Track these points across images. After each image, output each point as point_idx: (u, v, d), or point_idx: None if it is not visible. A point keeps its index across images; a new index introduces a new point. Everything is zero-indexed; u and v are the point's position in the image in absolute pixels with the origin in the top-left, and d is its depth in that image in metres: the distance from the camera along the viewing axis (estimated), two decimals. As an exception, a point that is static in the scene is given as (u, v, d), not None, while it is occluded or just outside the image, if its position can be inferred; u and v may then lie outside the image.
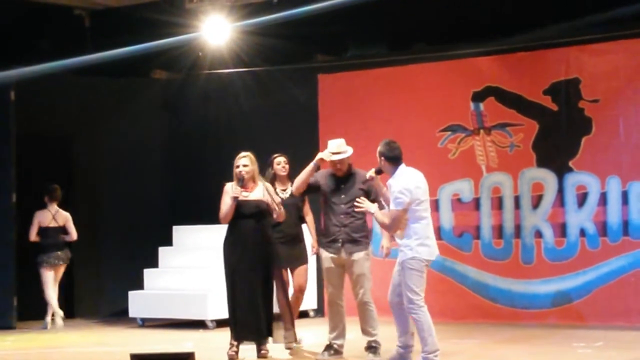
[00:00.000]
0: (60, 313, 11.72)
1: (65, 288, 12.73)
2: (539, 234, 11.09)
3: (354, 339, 8.86)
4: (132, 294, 11.85)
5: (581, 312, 10.76)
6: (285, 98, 12.62)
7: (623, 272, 10.59)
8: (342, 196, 8.48)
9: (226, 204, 8.55)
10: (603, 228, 10.73)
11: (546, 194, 11.08)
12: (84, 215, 13.03)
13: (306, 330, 9.71)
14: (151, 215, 13.33)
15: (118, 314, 12.47)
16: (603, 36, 10.83)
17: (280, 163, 9.34)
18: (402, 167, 7.84)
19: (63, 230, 11.94)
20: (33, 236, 11.77)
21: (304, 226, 9.43)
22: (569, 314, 10.80)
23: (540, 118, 11.16)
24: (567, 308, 10.86)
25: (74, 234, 11.95)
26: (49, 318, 11.79)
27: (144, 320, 11.83)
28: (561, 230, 10.97)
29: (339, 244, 8.47)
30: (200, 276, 11.46)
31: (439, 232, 11.45)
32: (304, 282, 9.25)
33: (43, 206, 11.90)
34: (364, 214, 8.48)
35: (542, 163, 11.13)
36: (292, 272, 9.27)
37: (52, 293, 11.75)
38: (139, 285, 11.96)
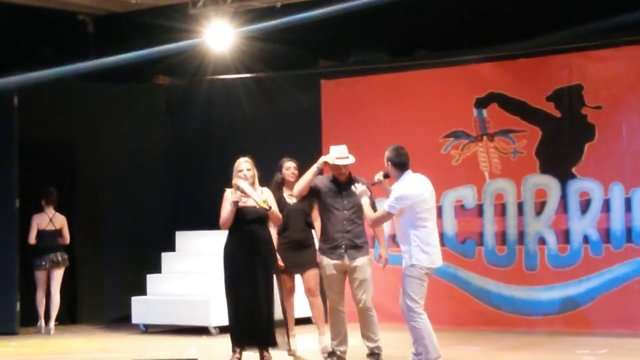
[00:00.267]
0: (42, 322, 11.86)
1: (68, 294, 12.76)
2: (542, 241, 11.09)
3: (355, 345, 8.86)
4: (135, 300, 11.85)
5: (585, 319, 10.74)
6: (288, 104, 12.63)
7: (626, 279, 10.58)
8: (345, 202, 8.48)
9: (226, 210, 8.54)
10: (606, 235, 10.72)
11: (549, 200, 11.07)
12: (86, 221, 13.06)
13: (308, 336, 9.69)
14: (154, 221, 13.33)
15: (121, 320, 12.47)
16: (606, 43, 10.84)
17: (289, 168, 9.26)
18: (408, 173, 7.87)
19: (60, 233, 12.05)
20: (32, 239, 11.87)
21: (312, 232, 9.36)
22: (573, 321, 10.79)
23: (543, 124, 11.15)
24: (570, 315, 10.84)
25: (67, 238, 12.10)
26: (42, 322, 11.91)
27: (146, 326, 11.82)
28: (564, 236, 10.97)
29: (342, 250, 8.47)
30: (203, 282, 11.45)
31: (442, 238, 11.35)
32: (314, 286, 9.08)
33: (41, 209, 12.00)
34: (363, 220, 8.52)
35: (545, 169, 11.13)
36: (302, 277, 9.23)
37: (42, 298, 11.91)
38: (141, 291, 11.96)
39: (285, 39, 11.53)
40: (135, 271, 12.26)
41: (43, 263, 11.90)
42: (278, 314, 8.80)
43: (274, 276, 8.65)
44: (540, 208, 11.12)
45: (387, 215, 7.87)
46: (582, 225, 10.88)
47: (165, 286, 11.91)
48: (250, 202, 8.52)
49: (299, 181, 8.65)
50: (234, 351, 8.54)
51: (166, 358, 9.24)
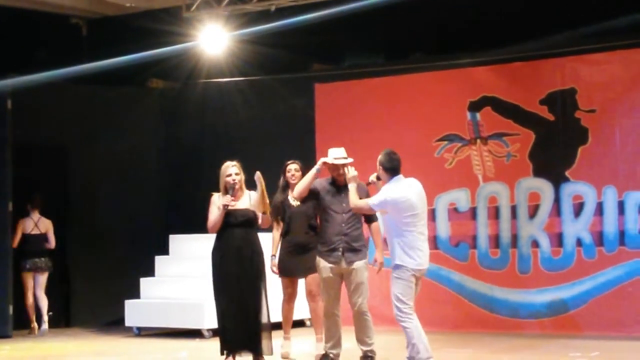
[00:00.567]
0: (35, 326, 11.94)
1: (62, 297, 12.75)
2: (535, 244, 11.10)
3: (349, 348, 8.86)
4: (128, 303, 11.83)
5: (577, 321, 10.76)
6: (283, 107, 12.63)
7: (619, 282, 10.60)
8: (343, 205, 8.47)
9: (214, 214, 8.52)
10: (599, 238, 10.74)
11: (543, 203, 11.09)
12: (80, 224, 13.05)
13: (302, 339, 9.69)
14: (148, 224, 13.33)
15: (114, 323, 12.44)
16: (599, 46, 10.86)
17: (291, 171, 9.22)
18: (398, 178, 7.90)
19: (45, 237, 12.16)
20: (15, 243, 11.96)
21: None
22: (566, 324, 10.80)
23: (536, 128, 11.17)
24: (563, 318, 10.86)
25: (52, 242, 12.21)
26: (34, 324, 11.98)
27: (140, 329, 11.81)
28: (558, 240, 10.98)
29: (339, 253, 8.45)
30: (196, 285, 11.44)
31: (435, 241, 11.46)
32: (315, 290, 8.99)
33: (26, 214, 12.10)
34: (362, 223, 8.53)
35: (538, 173, 11.14)
36: (306, 281, 9.16)
37: (32, 301, 11.99)
38: (135, 294, 11.94)
39: (280, 42, 11.56)
40: (128, 274, 12.24)
41: (28, 266, 12.01)
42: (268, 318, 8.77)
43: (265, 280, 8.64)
44: (533, 211, 11.14)
45: (368, 209, 8.04)
46: (575, 229, 10.89)
47: (159, 289, 11.89)
48: (239, 205, 8.51)
49: (299, 183, 8.65)
50: (222, 354, 8.51)
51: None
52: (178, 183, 13.58)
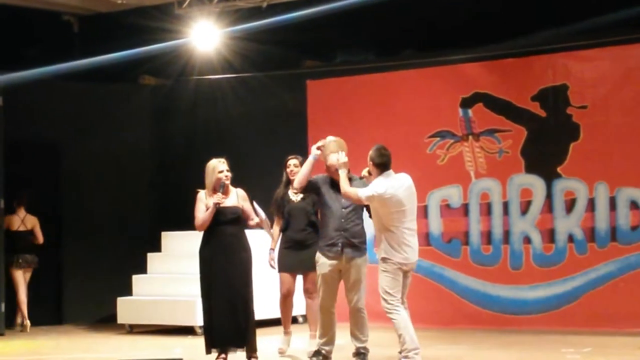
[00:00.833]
0: (28, 324, 11.96)
1: (54, 294, 12.74)
2: (527, 240, 11.12)
3: (343, 344, 8.86)
4: (120, 300, 11.82)
5: (570, 317, 10.77)
6: (274, 104, 12.61)
7: (611, 277, 10.62)
8: (343, 200, 8.44)
9: (202, 211, 8.48)
10: (591, 234, 10.76)
11: (535, 199, 11.11)
12: (72, 221, 13.04)
13: (295, 336, 9.69)
14: (140, 221, 13.32)
15: (106, 320, 12.44)
16: (590, 43, 10.88)
17: (290, 166, 9.20)
18: (388, 173, 7.96)
19: (32, 234, 12.20)
20: None
21: None
22: (558, 320, 10.82)
23: (528, 124, 11.19)
24: (555, 313, 10.88)
25: (40, 238, 12.26)
26: (19, 320, 12.03)
27: (132, 326, 11.80)
28: (550, 236, 11.00)
29: (338, 249, 8.41)
30: (188, 282, 11.40)
31: (427, 238, 11.48)
32: (312, 287, 8.98)
33: (12, 211, 12.16)
34: (362, 219, 8.51)
35: (530, 169, 11.16)
36: (304, 277, 9.16)
37: (23, 297, 12.04)
38: (127, 291, 11.93)
39: (271, 39, 11.55)
40: (120, 271, 12.22)
41: (16, 262, 12.06)
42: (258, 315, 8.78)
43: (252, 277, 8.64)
44: (525, 207, 11.15)
45: (357, 198, 8.02)
46: (567, 225, 10.91)
47: (151, 286, 11.89)
48: (228, 203, 8.49)
49: (298, 173, 8.60)
50: (209, 352, 8.48)
51: (151, 358, 9.23)
52: (170, 180, 13.55)
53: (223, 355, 8.47)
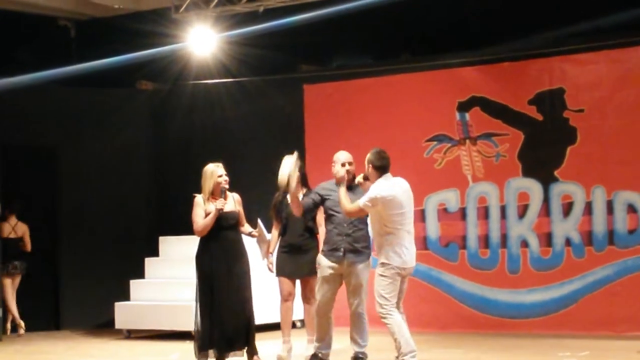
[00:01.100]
0: (21, 324, 11.99)
1: (51, 299, 12.73)
2: (524, 244, 11.12)
3: (343, 348, 8.86)
4: (118, 305, 11.81)
5: (567, 321, 10.77)
6: (271, 108, 12.63)
7: (608, 281, 10.63)
8: None
9: (201, 216, 8.50)
10: (588, 237, 10.77)
11: (532, 203, 11.11)
12: (69, 226, 13.03)
13: (293, 340, 9.67)
14: (137, 226, 13.32)
15: (104, 325, 12.43)
16: (586, 46, 10.88)
17: None
18: (387, 177, 7.94)
19: (22, 241, 12.24)
20: None
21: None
22: (555, 324, 10.82)
23: (525, 128, 11.20)
24: (553, 317, 10.88)
25: (28, 246, 12.29)
26: (9, 325, 12.04)
27: (130, 331, 11.80)
28: (547, 239, 11.01)
29: (341, 253, 8.42)
30: (186, 287, 11.40)
31: (425, 242, 11.48)
32: (310, 292, 8.97)
33: (3, 219, 12.18)
34: (366, 224, 8.49)
35: (527, 173, 11.17)
36: (302, 284, 9.14)
37: (12, 303, 12.05)
38: (125, 296, 11.93)
39: (268, 43, 11.56)
40: (118, 276, 12.21)
41: (7, 269, 12.07)
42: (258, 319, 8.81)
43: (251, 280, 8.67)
44: (522, 211, 11.16)
45: (360, 211, 7.97)
46: (564, 228, 10.92)
47: (149, 291, 11.88)
48: (228, 208, 8.52)
49: (291, 203, 8.60)
50: (202, 356, 8.49)
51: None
52: (167, 185, 13.56)
53: (222, 360, 8.50)
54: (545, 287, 10.94)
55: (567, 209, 10.92)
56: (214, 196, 8.52)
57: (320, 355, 8.58)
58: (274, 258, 9.22)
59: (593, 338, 10.26)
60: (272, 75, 12.72)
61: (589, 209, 10.79)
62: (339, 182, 8.20)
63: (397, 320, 7.82)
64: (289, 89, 12.56)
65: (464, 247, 11.44)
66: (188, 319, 11.08)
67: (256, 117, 12.78)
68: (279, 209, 9.19)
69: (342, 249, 8.42)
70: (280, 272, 9.16)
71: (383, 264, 7.87)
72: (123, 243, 13.02)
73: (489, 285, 11.26)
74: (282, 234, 9.13)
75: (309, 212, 8.69)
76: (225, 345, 8.50)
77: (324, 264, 8.50)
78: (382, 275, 7.88)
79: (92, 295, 12.85)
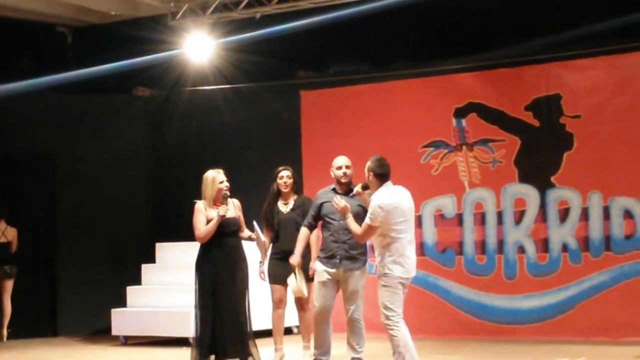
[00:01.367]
0: (4, 332, 12.02)
1: (48, 306, 12.72)
2: (521, 250, 11.13)
3: (340, 355, 8.86)
4: (115, 312, 11.81)
5: (564, 327, 10.77)
6: (268, 114, 12.63)
7: (605, 287, 10.63)
8: None
9: (202, 222, 8.50)
10: (585, 243, 10.78)
11: (528, 209, 11.12)
12: (66, 233, 13.02)
13: (289, 347, 9.67)
14: (134, 232, 13.30)
15: (101, 332, 12.42)
16: (583, 52, 10.90)
17: (282, 178, 9.12)
18: (387, 185, 7.85)
19: (11, 245, 12.25)
20: None
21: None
22: (552, 329, 10.82)
23: (522, 134, 11.21)
24: (549, 323, 10.88)
25: (14, 247, 12.29)
26: (5, 331, 12.10)
27: (127, 338, 11.78)
28: (543, 245, 11.01)
29: (337, 260, 8.42)
30: (183, 293, 11.40)
31: (421, 248, 11.47)
32: (303, 299, 8.98)
33: None
34: None
35: (524, 179, 11.17)
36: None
37: (5, 307, 12.09)
38: (121, 302, 11.92)
39: (265, 50, 11.57)
40: (115, 283, 12.22)
41: None
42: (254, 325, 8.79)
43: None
44: (519, 217, 11.17)
45: (370, 228, 7.72)
46: (561, 234, 10.93)
47: (145, 298, 11.87)
48: (229, 214, 8.53)
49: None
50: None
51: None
52: (164, 191, 13.56)
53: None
54: (542, 293, 10.94)
55: (564, 214, 10.93)
56: (215, 202, 8.54)
57: (318, 361, 8.59)
58: (265, 266, 9.20)
59: (590, 344, 10.26)
60: (268, 82, 12.72)
61: (585, 214, 10.80)
62: (343, 215, 8.11)
63: (404, 333, 7.63)
64: (286, 95, 12.57)
65: (460, 253, 11.44)
66: (185, 325, 11.12)
67: (253, 123, 12.78)
68: (269, 217, 9.17)
69: (338, 256, 8.43)
70: (272, 279, 9.14)
71: (385, 275, 7.74)
72: (120, 249, 13.02)
73: (486, 291, 11.26)
74: (274, 240, 9.12)
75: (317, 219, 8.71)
76: (225, 351, 8.49)
77: (320, 270, 8.51)
78: (384, 286, 7.70)
79: (89, 301, 12.83)
